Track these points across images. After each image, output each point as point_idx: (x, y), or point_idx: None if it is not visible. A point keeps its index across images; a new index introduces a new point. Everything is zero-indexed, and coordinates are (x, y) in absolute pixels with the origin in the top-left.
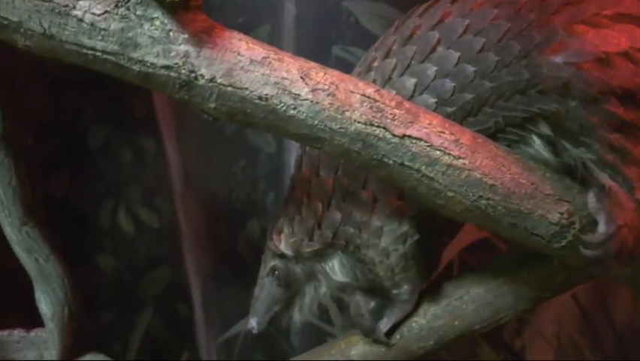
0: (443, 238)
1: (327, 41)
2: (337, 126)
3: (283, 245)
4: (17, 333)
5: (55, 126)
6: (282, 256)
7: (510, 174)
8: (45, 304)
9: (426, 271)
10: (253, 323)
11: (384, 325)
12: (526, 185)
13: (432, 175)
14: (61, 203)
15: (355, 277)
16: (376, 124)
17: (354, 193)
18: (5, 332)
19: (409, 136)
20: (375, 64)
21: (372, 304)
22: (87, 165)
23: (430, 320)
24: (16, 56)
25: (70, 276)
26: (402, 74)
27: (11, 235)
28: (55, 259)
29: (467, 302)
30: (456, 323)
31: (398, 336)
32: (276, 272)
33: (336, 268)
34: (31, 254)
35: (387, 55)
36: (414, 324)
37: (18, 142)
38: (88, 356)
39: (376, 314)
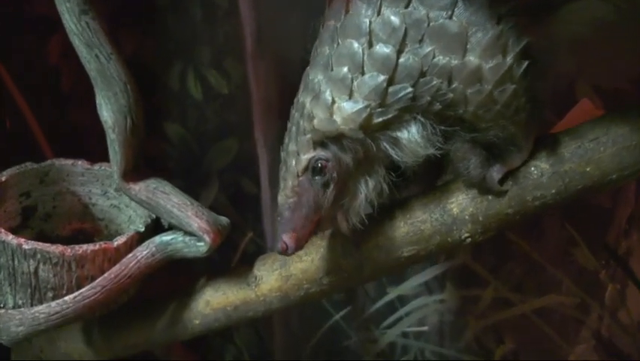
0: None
1: None
2: None
3: (342, 120)
4: (81, 165)
5: None
6: (325, 142)
7: None
8: (106, 110)
9: (541, 105)
10: (289, 240)
11: (497, 171)
12: None
13: None
14: (131, 62)
15: (444, 142)
16: None
17: (436, 28)
18: (70, 161)
19: None
20: None
21: (480, 149)
22: (156, 20)
23: (553, 164)
24: None
25: (133, 83)
26: None
27: (70, 24)
28: (117, 60)
29: (605, 144)
30: (588, 169)
31: (510, 183)
32: (319, 165)
33: (416, 137)
34: (92, 50)
35: None
36: (532, 169)
37: None
38: (151, 181)
39: (486, 161)
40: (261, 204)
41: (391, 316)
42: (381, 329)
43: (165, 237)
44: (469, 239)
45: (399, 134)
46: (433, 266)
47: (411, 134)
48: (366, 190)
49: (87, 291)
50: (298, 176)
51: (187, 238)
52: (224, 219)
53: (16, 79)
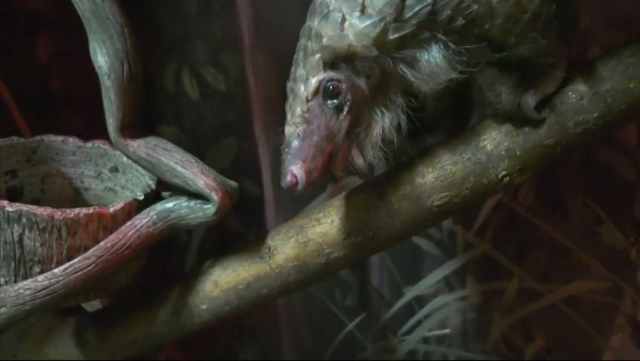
0: None
1: None
2: None
3: (354, 36)
4: (72, 142)
5: None
6: (336, 63)
7: None
8: (101, 55)
9: (575, 16)
10: (298, 171)
11: (532, 96)
12: None
13: None
14: None
15: (467, 64)
16: None
17: None
18: (60, 138)
19: None
20: None
21: (510, 73)
22: (148, 16)
23: (592, 85)
24: None
25: (130, 27)
26: None
27: None
28: (112, 1)
29: None
30: (631, 85)
31: (547, 111)
32: (331, 86)
33: (436, 58)
34: None
35: None
36: (570, 93)
37: None
38: (151, 138)
39: (519, 86)
40: (264, 206)
41: (410, 320)
42: (400, 336)
43: (167, 203)
44: (507, 178)
45: (418, 54)
46: (451, 260)
47: (431, 55)
48: (383, 121)
49: (80, 262)
50: (307, 101)
51: (192, 203)
52: (232, 183)
53: (4, 77)
